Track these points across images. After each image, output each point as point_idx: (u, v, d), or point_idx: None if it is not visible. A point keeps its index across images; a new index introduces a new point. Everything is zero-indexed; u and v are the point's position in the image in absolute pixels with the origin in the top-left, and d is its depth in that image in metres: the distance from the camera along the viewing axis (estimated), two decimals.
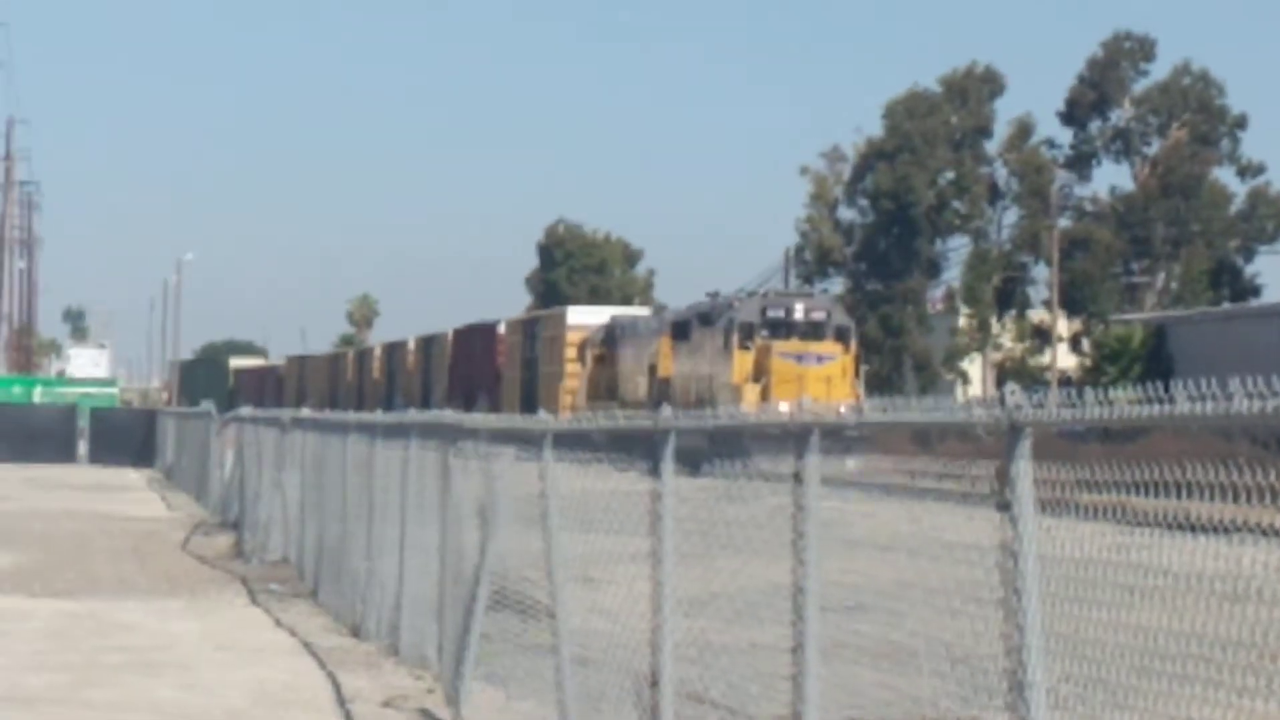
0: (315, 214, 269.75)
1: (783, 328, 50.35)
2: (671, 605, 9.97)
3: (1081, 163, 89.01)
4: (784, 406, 10.05)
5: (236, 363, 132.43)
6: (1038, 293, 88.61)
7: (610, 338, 60.20)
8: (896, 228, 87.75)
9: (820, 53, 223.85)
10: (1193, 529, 6.23)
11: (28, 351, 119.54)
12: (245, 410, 35.82)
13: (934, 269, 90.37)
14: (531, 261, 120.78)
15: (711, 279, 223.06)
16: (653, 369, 55.04)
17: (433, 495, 15.66)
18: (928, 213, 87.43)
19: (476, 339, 73.09)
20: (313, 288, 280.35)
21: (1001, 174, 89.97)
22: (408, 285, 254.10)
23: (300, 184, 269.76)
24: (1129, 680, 6.41)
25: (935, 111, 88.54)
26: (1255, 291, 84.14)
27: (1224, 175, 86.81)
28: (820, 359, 49.51)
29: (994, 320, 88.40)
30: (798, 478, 8.58)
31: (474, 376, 71.71)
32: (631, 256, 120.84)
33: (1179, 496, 6.16)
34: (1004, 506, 6.88)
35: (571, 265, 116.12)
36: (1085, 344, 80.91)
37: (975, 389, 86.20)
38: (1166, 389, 6.14)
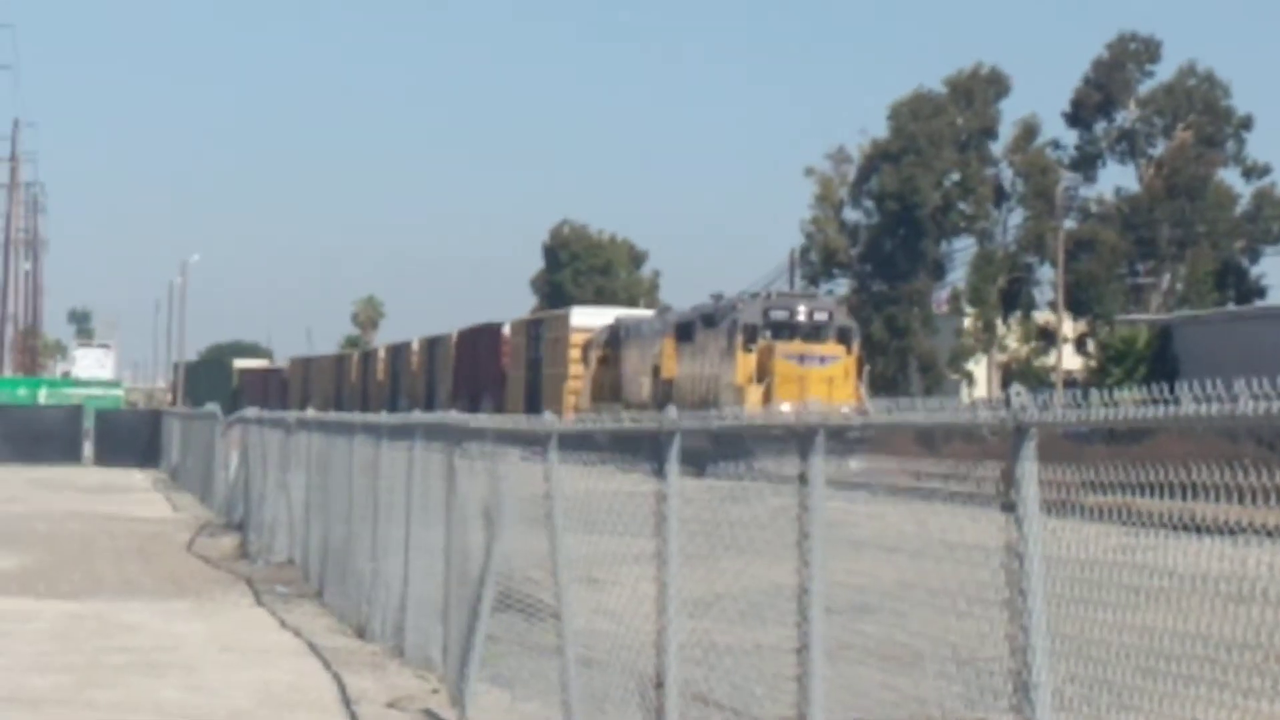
0: (321, 215, 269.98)
1: (786, 329, 50.44)
2: (676, 606, 9.97)
3: (1087, 164, 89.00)
4: (786, 407, 10.07)
5: (240, 364, 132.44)
6: (1043, 294, 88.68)
7: (614, 339, 60.24)
8: (902, 229, 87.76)
9: (825, 54, 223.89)
10: (1198, 530, 6.23)
11: (33, 353, 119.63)
12: (250, 411, 35.83)
13: (939, 270, 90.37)
14: (537, 263, 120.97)
15: (717, 280, 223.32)
16: (656, 370, 55.09)
17: (438, 496, 15.67)
18: (933, 214, 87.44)
19: (481, 340, 73.12)
20: (318, 289, 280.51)
21: (1007, 175, 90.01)
22: (413, 287, 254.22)
23: (306, 185, 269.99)
24: (1134, 681, 6.41)
25: (940, 113, 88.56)
26: (1260, 292, 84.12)
27: (1229, 176, 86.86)
28: (823, 360, 49.57)
29: (999, 321, 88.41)
30: (803, 478, 8.57)
31: (479, 377, 71.73)
32: (637, 258, 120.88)
33: (1184, 498, 6.15)
34: (1009, 507, 6.87)
35: (577, 266, 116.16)
36: (1090, 345, 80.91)
37: (980, 390, 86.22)
38: (1171, 390, 6.14)
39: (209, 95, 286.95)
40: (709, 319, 53.27)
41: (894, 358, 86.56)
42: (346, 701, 14.50)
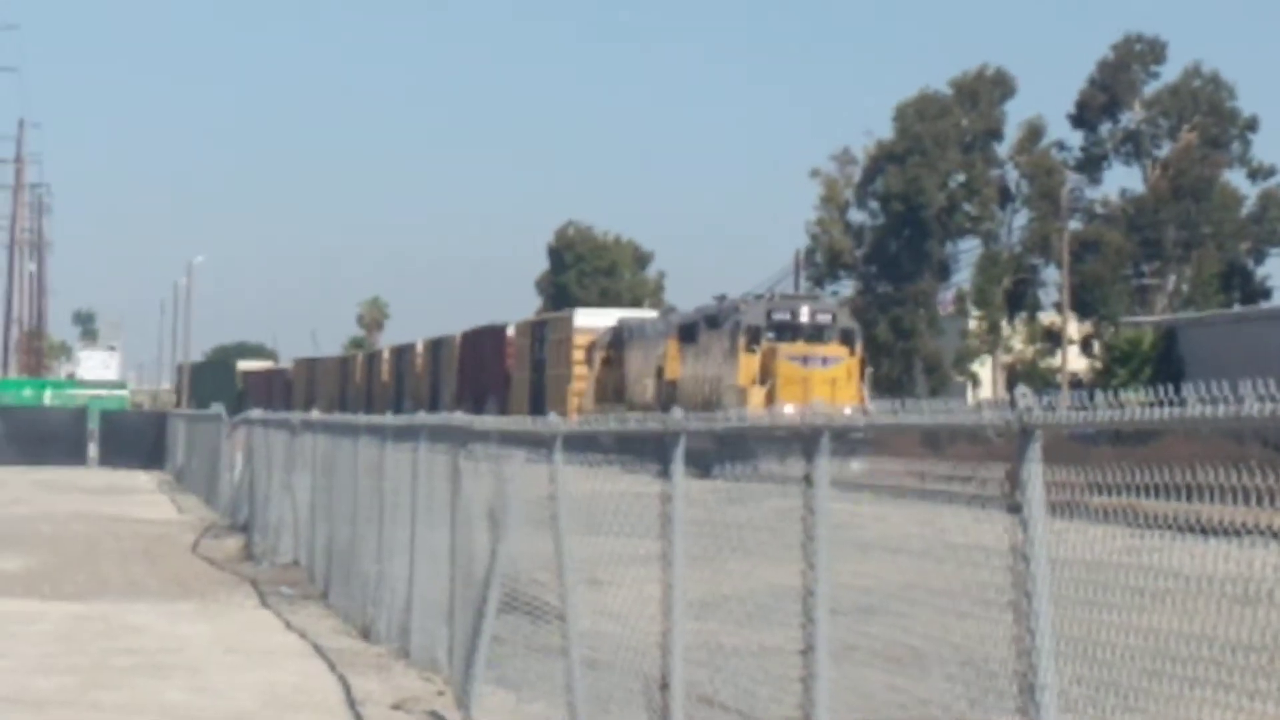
0: (326, 217, 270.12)
1: (788, 331, 50.53)
2: (682, 607, 9.97)
3: (1092, 165, 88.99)
4: (789, 409, 10.08)
5: (244, 365, 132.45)
6: (1048, 295, 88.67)
7: (618, 340, 60.27)
8: (907, 230, 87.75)
9: (831, 55, 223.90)
10: (1204, 532, 6.22)
11: (38, 354, 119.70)
12: (255, 413, 35.85)
13: (944, 271, 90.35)
14: (541, 264, 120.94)
15: (722, 281, 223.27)
16: (660, 371, 55.16)
17: (443, 497, 15.66)
18: (938, 215, 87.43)
19: (485, 341, 73.12)
20: (323, 290, 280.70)
21: (1012, 176, 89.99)
22: (418, 288, 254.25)
23: (311, 186, 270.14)
24: (1140, 683, 6.40)
25: (945, 114, 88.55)
26: (1266, 294, 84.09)
27: (1235, 178, 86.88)
28: (825, 362, 49.65)
29: (1004, 323, 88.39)
30: (808, 480, 8.57)
31: (482, 379, 71.73)
32: (642, 259, 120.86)
33: (1190, 499, 6.15)
34: (1015, 509, 6.87)
35: (581, 268, 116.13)
36: (1096, 346, 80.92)
37: (986, 391, 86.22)
38: (1177, 391, 6.13)
39: (213, 96, 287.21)
40: (712, 320, 53.34)
41: (899, 359, 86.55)
42: (351, 703, 14.50)
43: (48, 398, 77.02)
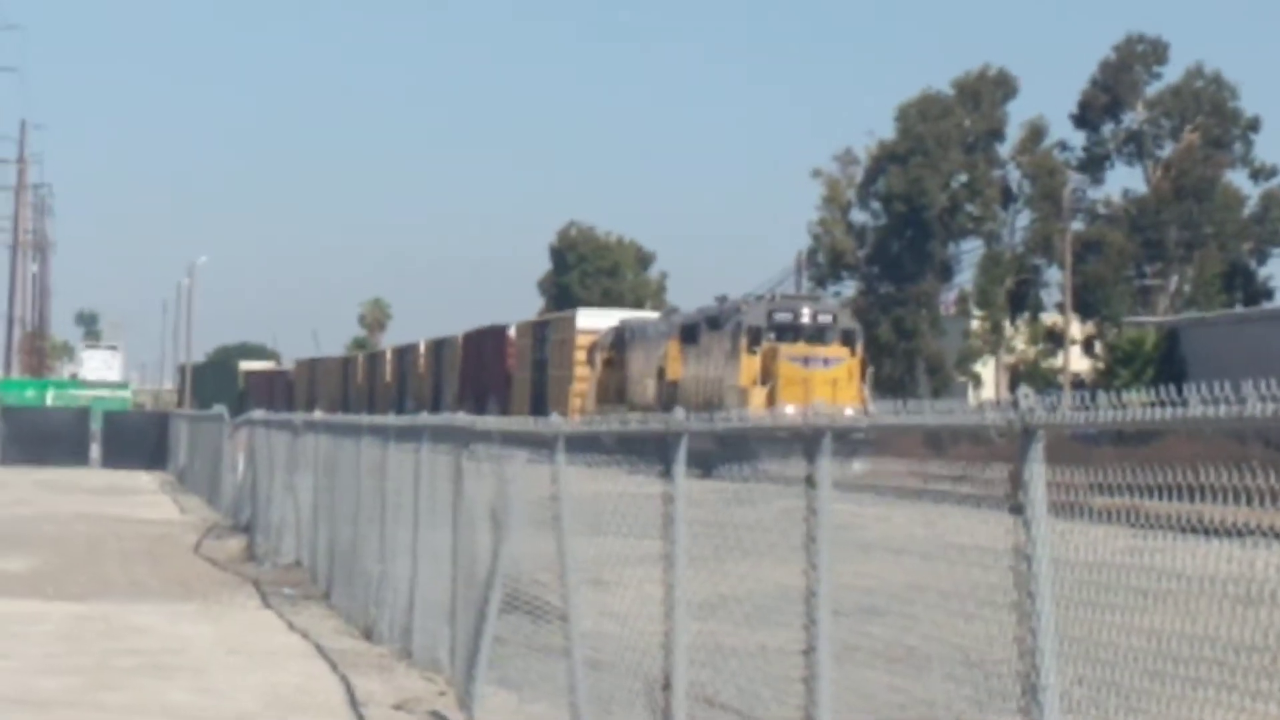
0: (328, 217, 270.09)
1: (789, 331, 50.61)
2: (684, 608, 9.97)
3: (1094, 165, 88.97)
4: (790, 409, 10.08)
5: (246, 366, 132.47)
6: (1050, 295, 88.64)
7: (619, 341, 60.31)
8: (909, 230, 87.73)
9: (833, 55, 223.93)
10: (1206, 532, 6.22)
11: (40, 354, 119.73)
12: (258, 413, 35.86)
13: (946, 272, 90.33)
14: (544, 264, 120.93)
15: (724, 282, 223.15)
16: (661, 372, 55.21)
17: (445, 498, 15.66)
18: (940, 215, 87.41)
19: (487, 342, 73.15)
20: (325, 291, 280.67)
21: (1014, 177, 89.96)
22: (421, 289, 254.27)
23: (313, 187, 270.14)
24: (1142, 684, 6.40)
25: (947, 114, 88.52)
26: (1268, 294, 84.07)
27: (1237, 178, 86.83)
28: (826, 362, 49.73)
29: (1007, 323, 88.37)
30: (810, 480, 8.57)
31: (484, 379, 71.76)
32: (644, 259, 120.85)
33: (1192, 500, 6.15)
34: (1017, 509, 6.87)
35: (584, 268, 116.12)
36: (1098, 347, 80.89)
37: (988, 392, 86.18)
38: (1179, 392, 6.13)
39: (216, 97, 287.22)
40: (713, 321, 53.40)
41: (901, 360, 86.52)
42: (354, 703, 14.50)
43: (50, 398, 77.04)
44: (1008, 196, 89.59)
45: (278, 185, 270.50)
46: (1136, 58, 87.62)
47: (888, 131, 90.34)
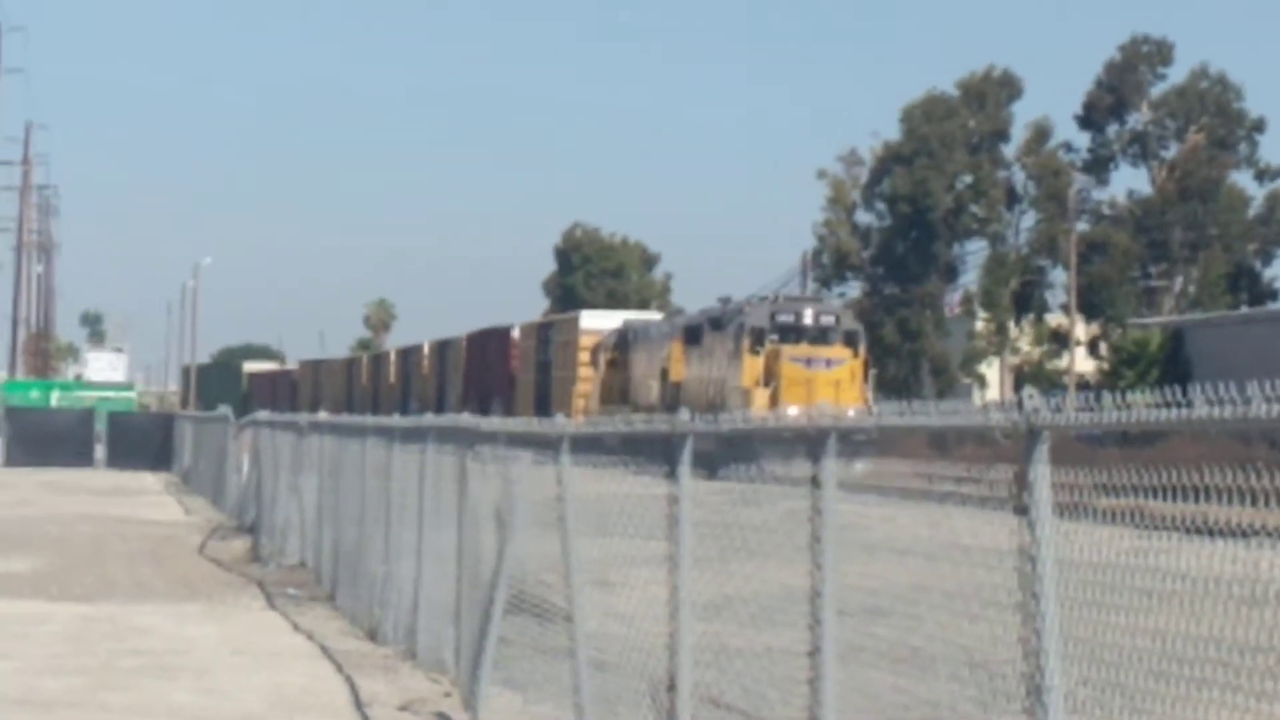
0: (333, 218, 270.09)
1: (792, 333, 50.72)
2: (688, 609, 9.97)
3: (1099, 166, 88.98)
4: (793, 410, 10.07)
5: (250, 367, 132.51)
6: (1055, 296, 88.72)
7: (623, 342, 60.38)
8: (914, 231, 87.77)
9: (838, 56, 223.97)
10: (1211, 533, 6.22)
11: (45, 355, 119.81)
12: (262, 414, 35.86)
13: (951, 273, 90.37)
14: (549, 265, 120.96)
15: (729, 283, 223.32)
16: (664, 373, 55.29)
17: (450, 499, 15.67)
18: (945, 216, 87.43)
19: (491, 343, 73.19)
20: (331, 292, 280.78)
21: (1019, 178, 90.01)
22: (426, 290, 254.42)
23: (318, 188, 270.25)
24: (1147, 684, 6.40)
25: (952, 115, 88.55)
26: (1273, 295, 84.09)
27: (1242, 179, 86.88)
28: (829, 363, 49.81)
29: (1011, 324, 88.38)
30: (815, 481, 8.57)
31: (488, 380, 71.80)
32: (649, 260, 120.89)
33: (1197, 500, 6.15)
34: (1022, 510, 6.87)
35: (589, 269, 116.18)
36: (1103, 348, 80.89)
37: (993, 393, 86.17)
38: (1184, 393, 6.13)
39: (220, 97, 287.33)
40: (716, 322, 53.47)
41: (906, 360, 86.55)
42: (358, 704, 14.50)
43: (55, 399, 77.09)
44: (1012, 197, 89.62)
45: (283, 186, 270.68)
46: (1141, 58, 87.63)
47: (893, 132, 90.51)
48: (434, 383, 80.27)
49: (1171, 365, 62.83)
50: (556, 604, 12.60)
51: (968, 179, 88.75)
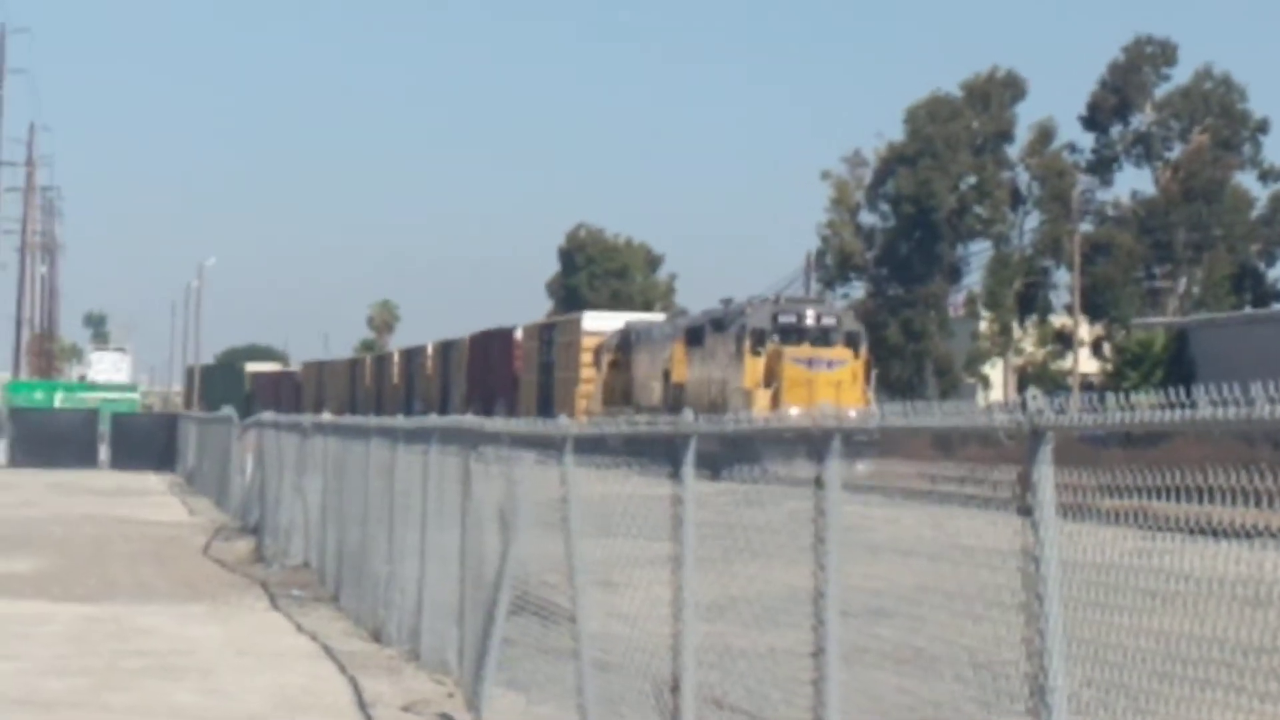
0: (337, 219, 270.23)
1: (794, 333, 50.80)
2: (692, 609, 9.97)
3: (1103, 167, 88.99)
4: (794, 411, 10.06)
5: (252, 368, 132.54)
6: (1059, 297, 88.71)
7: (625, 343, 60.44)
8: (918, 232, 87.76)
9: (842, 57, 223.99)
10: (1215, 534, 6.22)
11: (49, 356, 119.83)
12: (266, 415, 35.87)
13: (955, 273, 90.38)
14: (553, 266, 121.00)
15: (733, 284, 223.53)
16: (667, 374, 55.36)
17: (453, 499, 15.67)
18: (949, 217, 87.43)
19: (494, 344, 73.25)
20: (335, 293, 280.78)
21: (1023, 178, 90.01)
22: (430, 290, 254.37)
23: (323, 189, 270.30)
24: (1151, 685, 6.39)
25: (956, 116, 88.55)
26: (1277, 296, 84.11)
27: (1246, 180, 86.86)
28: (830, 364, 49.88)
29: (1015, 325, 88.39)
30: (819, 482, 8.57)
31: (491, 381, 71.87)
32: (653, 261, 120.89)
33: (1201, 501, 6.14)
34: (1025, 511, 6.86)
35: (592, 270, 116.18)
36: (1107, 349, 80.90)
37: (996, 394, 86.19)
38: (1188, 394, 6.13)
39: (224, 98, 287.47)
40: (718, 323, 53.53)
41: (910, 361, 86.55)
42: (362, 705, 14.51)
43: (59, 400, 77.09)
44: (1016, 198, 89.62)
45: (288, 187, 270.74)
46: (1145, 59, 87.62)
47: (896, 133, 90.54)
48: (438, 383, 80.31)
49: (1175, 366, 62.83)
50: (560, 605, 12.60)
51: (972, 180, 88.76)
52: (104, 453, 63.21)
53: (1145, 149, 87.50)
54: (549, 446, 12.70)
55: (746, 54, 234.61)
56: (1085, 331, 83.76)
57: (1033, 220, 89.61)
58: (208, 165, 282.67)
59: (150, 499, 45.16)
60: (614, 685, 11.33)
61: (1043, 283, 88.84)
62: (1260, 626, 5.94)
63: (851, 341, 51.35)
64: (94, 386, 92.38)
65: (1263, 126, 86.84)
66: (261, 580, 24.36)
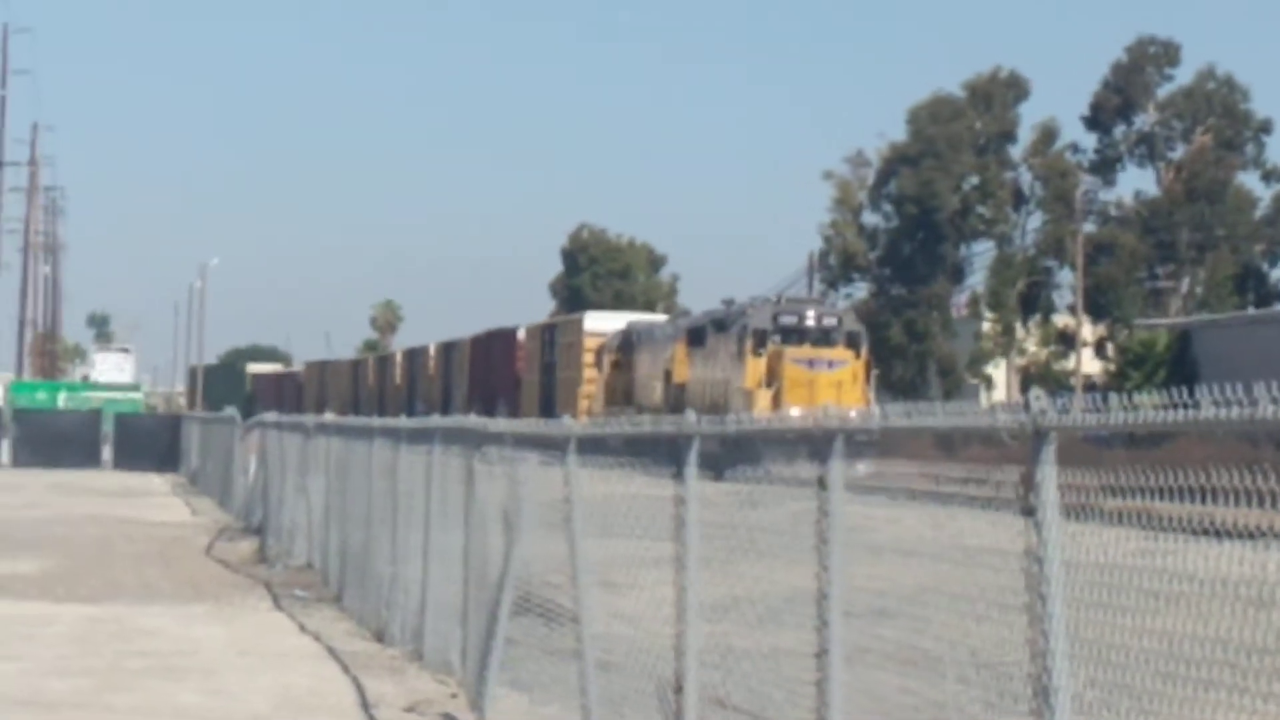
0: (341, 220, 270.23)
1: (795, 334, 50.86)
2: (695, 610, 9.97)
3: (1106, 167, 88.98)
4: (795, 411, 10.06)
5: (254, 368, 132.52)
6: (1062, 297, 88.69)
7: (627, 343, 60.48)
8: (920, 232, 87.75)
9: (844, 57, 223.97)
10: (1218, 534, 6.22)
11: (52, 357, 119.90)
12: (269, 416, 35.89)
13: (958, 274, 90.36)
14: (556, 266, 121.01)
15: (736, 284, 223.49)
16: (668, 374, 55.42)
17: (457, 500, 15.67)
18: (952, 217, 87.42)
19: (496, 345, 73.26)
20: (339, 293, 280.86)
21: (1026, 179, 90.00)
22: (433, 291, 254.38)
23: (326, 189, 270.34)
24: (1154, 686, 6.39)
25: (959, 116, 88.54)
26: None
27: (1249, 180, 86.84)
28: (831, 365, 49.94)
29: (1018, 325, 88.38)
30: (822, 482, 8.57)
31: (493, 382, 71.88)
32: (656, 261, 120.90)
33: (1204, 502, 6.14)
34: (1029, 512, 6.87)
35: (595, 270, 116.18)
36: (1110, 349, 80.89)
37: (999, 394, 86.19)
38: (1191, 394, 6.13)
39: (226, 98, 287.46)
40: (720, 324, 53.58)
41: (913, 361, 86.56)
42: (365, 705, 14.51)
43: (62, 400, 77.10)
44: (1019, 198, 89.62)
45: (291, 187, 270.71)
46: (1148, 59, 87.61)
47: (899, 133, 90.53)
48: (440, 384, 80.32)
49: (1178, 366, 62.81)
50: (563, 605, 12.60)
51: (974, 180, 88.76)
52: (107, 453, 63.23)
53: (1148, 149, 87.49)
54: (552, 447, 12.71)
55: (748, 54, 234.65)
56: (1088, 332, 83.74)
57: (1035, 220, 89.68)
58: (211, 165, 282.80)
59: (153, 499, 45.17)
60: (617, 685, 11.33)
61: (1045, 283, 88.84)
62: (1264, 627, 5.94)
63: (852, 342, 51.41)
64: (97, 387, 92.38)
65: (1265, 127, 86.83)
66: (265, 581, 24.37)
